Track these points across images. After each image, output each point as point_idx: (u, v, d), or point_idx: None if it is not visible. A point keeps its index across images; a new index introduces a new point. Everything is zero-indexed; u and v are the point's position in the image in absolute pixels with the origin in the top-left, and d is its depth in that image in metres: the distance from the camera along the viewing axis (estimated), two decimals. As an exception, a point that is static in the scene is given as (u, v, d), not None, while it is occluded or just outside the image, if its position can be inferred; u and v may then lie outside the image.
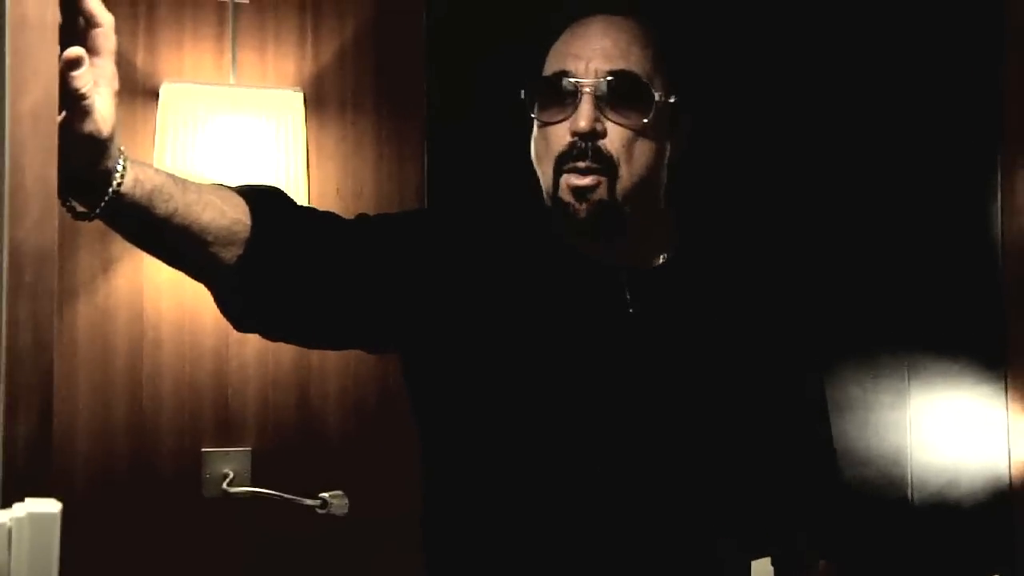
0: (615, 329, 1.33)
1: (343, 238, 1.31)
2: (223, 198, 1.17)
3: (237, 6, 2.27)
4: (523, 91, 1.36)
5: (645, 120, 1.31)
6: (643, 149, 1.33)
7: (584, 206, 1.30)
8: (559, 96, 1.32)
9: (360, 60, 2.34)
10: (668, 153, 1.39)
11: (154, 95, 2.17)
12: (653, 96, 1.32)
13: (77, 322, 2.18)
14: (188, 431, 2.22)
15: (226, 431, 2.24)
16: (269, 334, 1.31)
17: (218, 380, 2.24)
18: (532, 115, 1.36)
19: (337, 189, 2.32)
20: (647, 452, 1.31)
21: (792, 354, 1.45)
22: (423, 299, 1.32)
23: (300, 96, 2.16)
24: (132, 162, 1.06)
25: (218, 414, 2.24)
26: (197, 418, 2.23)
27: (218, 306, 1.25)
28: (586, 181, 1.30)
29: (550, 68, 1.36)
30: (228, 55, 2.25)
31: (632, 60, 1.32)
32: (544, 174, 1.34)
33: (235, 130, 2.08)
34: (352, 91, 2.34)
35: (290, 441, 2.27)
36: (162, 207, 1.09)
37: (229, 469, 2.22)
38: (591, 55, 1.32)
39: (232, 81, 2.23)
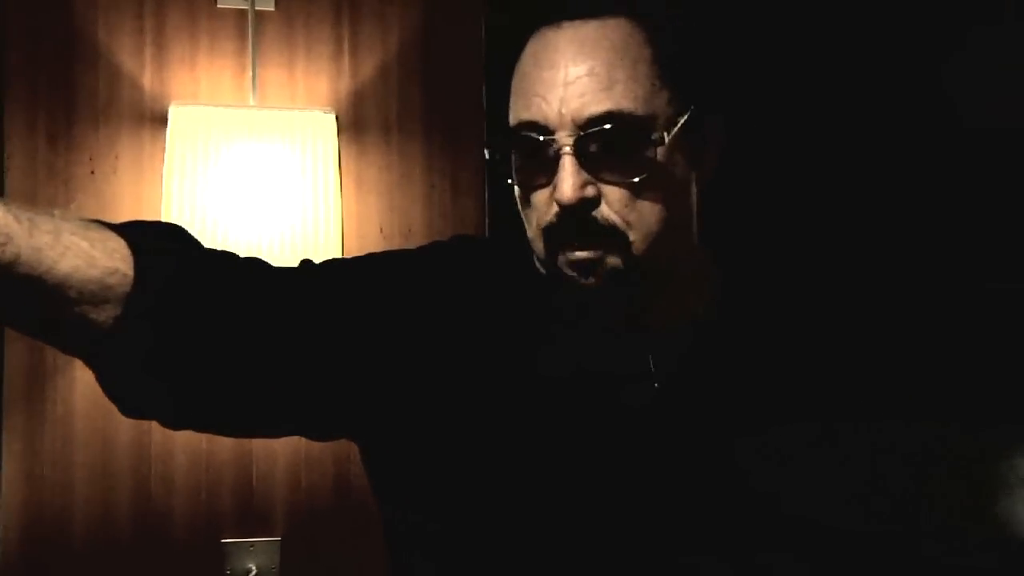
0: (636, 410, 1.13)
1: (268, 292, 1.10)
2: (93, 241, 0.96)
3: (259, 15, 2.17)
4: (486, 148, 1.17)
5: (646, 174, 1.10)
6: (654, 204, 1.12)
7: (592, 280, 1.11)
8: (533, 155, 1.11)
9: (406, 76, 2.24)
10: (695, 187, 1.18)
11: (162, 120, 2.07)
12: (652, 140, 1.10)
13: (74, 389, 2.07)
14: (205, 519, 2.11)
15: (250, 518, 2.12)
16: (167, 422, 1.10)
17: (240, 457, 2.12)
18: (507, 179, 1.15)
19: (380, 228, 2.21)
20: (679, 570, 1.09)
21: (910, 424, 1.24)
22: (386, 371, 1.12)
23: (332, 118, 2.05)
24: None
25: (241, 498, 2.12)
26: (216, 503, 2.12)
27: (99, 384, 1.04)
28: (588, 254, 1.10)
29: (515, 115, 1.14)
30: (248, 72, 2.15)
31: (618, 92, 1.09)
32: (534, 242, 1.15)
33: (256, 159, 1.96)
34: (397, 112, 2.23)
35: (326, 530, 2.15)
36: None
37: (253, 564, 2.12)
38: (562, 95, 1.09)
39: (253, 102, 2.14)
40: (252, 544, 2.10)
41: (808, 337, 1.22)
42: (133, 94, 2.10)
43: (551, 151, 1.09)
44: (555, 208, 1.09)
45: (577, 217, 1.09)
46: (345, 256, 1.22)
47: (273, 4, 2.16)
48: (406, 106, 2.23)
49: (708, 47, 1.21)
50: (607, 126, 1.08)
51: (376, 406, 1.12)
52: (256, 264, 1.11)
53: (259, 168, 1.95)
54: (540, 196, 1.12)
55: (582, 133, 1.08)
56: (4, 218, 0.88)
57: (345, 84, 2.20)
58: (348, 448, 2.12)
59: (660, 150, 1.10)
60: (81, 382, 2.05)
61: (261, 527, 2.11)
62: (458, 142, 2.24)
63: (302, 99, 2.16)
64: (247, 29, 2.14)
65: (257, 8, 2.15)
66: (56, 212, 0.94)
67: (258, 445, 2.11)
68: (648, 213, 1.11)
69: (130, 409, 1.04)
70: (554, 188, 1.09)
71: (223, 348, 1.02)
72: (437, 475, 1.11)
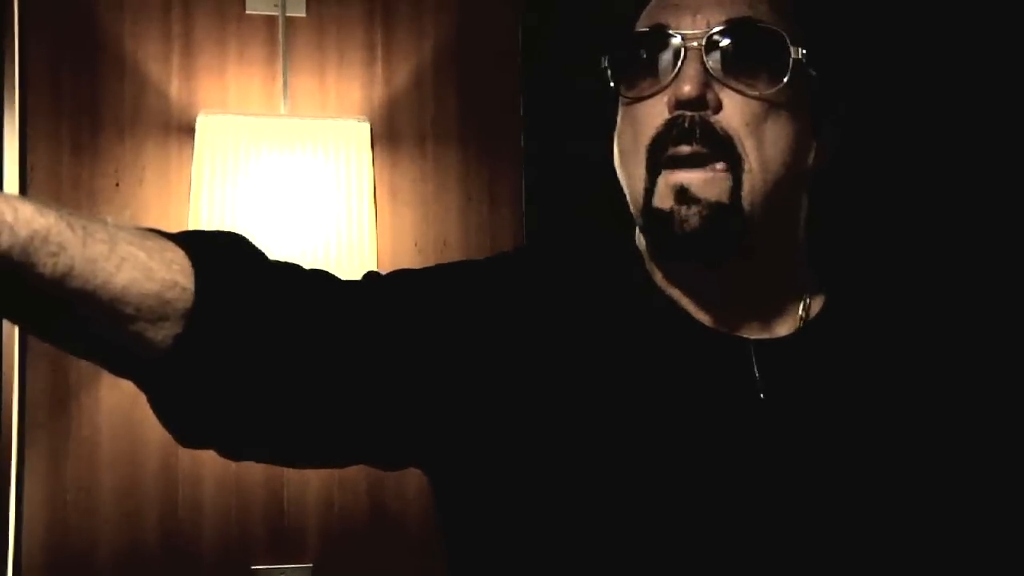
0: (740, 423, 1.06)
1: (338, 311, 1.03)
2: (151, 251, 0.89)
3: (290, 21, 2.14)
4: (605, 59, 1.09)
5: (778, 86, 1.04)
6: (777, 135, 1.05)
7: (694, 211, 1.02)
8: (654, 59, 1.05)
9: (441, 83, 2.21)
10: (811, 158, 1.11)
11: (190, 130, 2.03)
12: (789, 50, 1.04)
13: (99, 410, 2.03)
14: (235, 544, 2.08)
15: (282, 544, 2.09)
16: (229, 452, 1.03)
17: (271, 480, 2.08)
18: (619, 93, 1.09)
19: (415, 242, 2.17)
20: None
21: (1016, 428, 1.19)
22: (466, 389, 1.05)
23: (367, 128, 2.02)
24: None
25: (271, 522, 2.09)
26: (246, 528, 2.08)
27: (152, 410, 0.96)
28: (697, 175, 1.03)
29: (641, 26, 1.10)
30: (279, 80, 2.12)
31: (760, 11, 1.06)
32: (631, 176, 1.08)
33: (288, 169, 1.93)
34: (432, 121, 2.21)
35: (360, 556, 2.12)
36: (48, 264, 0.82)
37: (285, 592, 2.11)
38: (700, 3, 1.06)
39: (284, 110, 2.11)
40: (283, 571, 2.07)
41: (914, 348, 1.16)
42: (160, 103, 2.07)
43: (675, 50, 1.03)
44: (667, 114, 1.03)
45: (692, 119, 1.02)
46: (409, 268, 1.15)
47: (304, 10, 2.14)
48: (441, 115, 2.19)
49: (847, 30, 1.16)
50: (739, 29, 1.03)
51: (460, 425, 1.05)
52: (323, 279, 1.04)
53: (290, 179, 1.92)
54: (651, 107, 1.05)
55: (715, 30, 1.03)
56: (57, 225, 0.82)
57: (378, 92, 2.17)
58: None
59: (791, 73, 1.04)
60: (106, 401, 2.01)
61: (292, 553, 2.07)
62: (495, 152, 2.21)
63: (334, 108, 2.14)
64: (277, 35, 2.12)
65: (288, 14, 2.12)
66: (109, 219, 0.89)
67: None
68: (769, 143, 1.04)
69: (188, 438, 0.98)
70: (672, 90, 1.03)
71: (291, 371, 0.96)
72: (536, 493, 1.04)
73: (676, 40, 1.03)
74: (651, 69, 1.05)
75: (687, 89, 1.01)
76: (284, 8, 2.11)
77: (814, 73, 1.07)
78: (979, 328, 1.24)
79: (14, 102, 1.99)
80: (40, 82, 2.02)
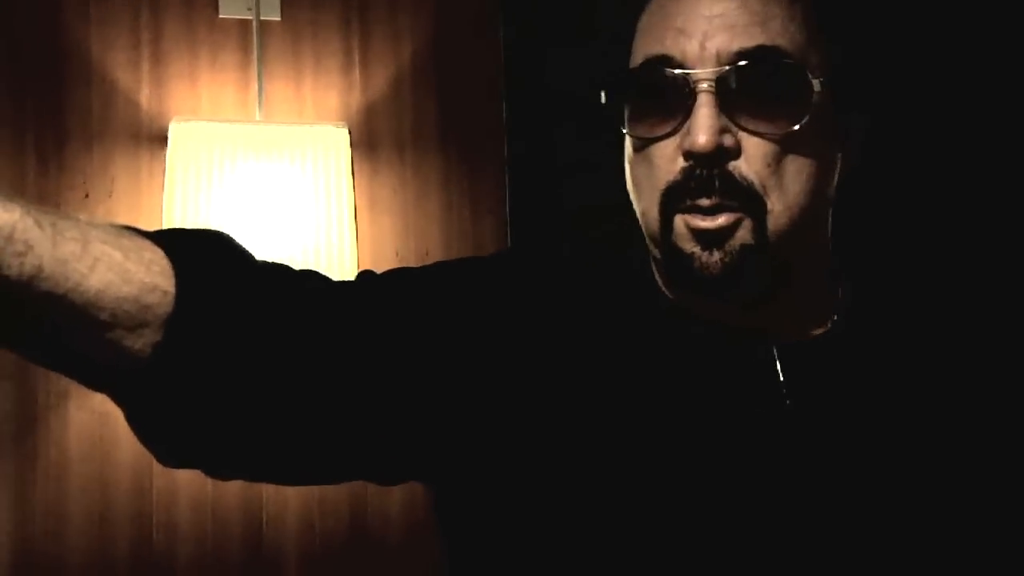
0: (766, 432, 1.02)
1: (331, 312, 0.97)
2: (127, 251, 0.83)
3: (264, 25, 2.09)
4: (604, 93, 1.03)
5: (799, 124, 0.97)
6: (800, 168, 0.99)
7: (717, 257, 0.98)
8: (660, 96, 0.99)
9: (421, 88, 2.18)
10: (837, 171, 1.06)
11: (162, 138, 1.98)
12: (811, 84, 0.98)
13: (68, 432, 1.97)
14: (211, 570, 2.02)
15: (260, 569, 2.04)
16: (215, 470, 0.98)
17: (249, 501, 2.03)
18: (622, 129, 1.03)
19: (396, 251, 2.13)
20: None
21: None
22: (473, 396, 1.00)
23: (345, 133, 1.97)
24: None
25: (249, 545, 2.04)
26: (223, 552, 2.03)
27: (130, 426, 0.91)
28: (719, 222, 0.97)
29: (642, 53, 1.02)
30: (254, 85, 2.08)
31: (773, 29, 0.98)
32: (646, 213, 1.02)
33: (264, 177, 1.89)
34: (411, 127, 2.17)
35: None
36: (14, 264, 0.76)
37: (265, 618, 2.03)
38: (706, 28, 0.97)
39: (259, 117, 2.07)
40: (263, 595, 2.02)
41: (948, 349, 1.11)
42: (129, 111, 2.02)
43: (685, 90, 0.96)
44: (681, 161, 0.96)
45: (709, 171, 0.96)
46: (407, 267, 1.10)
47: (279, 14, 2.10)
48: (421, 120, 2.16)
49: (868, 29, 1.11)
50: (755, 62, 0.96)
51: (468, 434, 1.00)
52: (314, 281, 0.98)
53: (267, 188, 1.88)
54: (663, 149, 0.98)
55: (727, 67, 0.95)
56: (23, 222, 0.76)
57: (356, 98, 2.13)
58: (364, 490, 2.05)
59: (812, 108, 0.98)
60: (76, 422, 1.95)
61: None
62: (476, 157, 2.18)
63: (311, 113, 2.10)
64: (251, 40, 2.08)
65: (262, 18, 2.08)
66: (81, 217, 0.83)
67: (268, 488, 2.00)
68: (792, 180, 0.98)
69: (169, 456, 0.92)
70: (684, 136, 0.96)
71: (281, 382, 0.90)
72: (552, 508, 0.99)
73: (685, 78, 0.96)
74: (658, 107, 0.98)
75: (702, 141, 0.95)
76: (258, 12, 2.07)
77: (835, 89, 1.01)
78: (1014, 333, 1.19)
79: (-24, 112, 1.94)
80: (2, 92, 1.97)
